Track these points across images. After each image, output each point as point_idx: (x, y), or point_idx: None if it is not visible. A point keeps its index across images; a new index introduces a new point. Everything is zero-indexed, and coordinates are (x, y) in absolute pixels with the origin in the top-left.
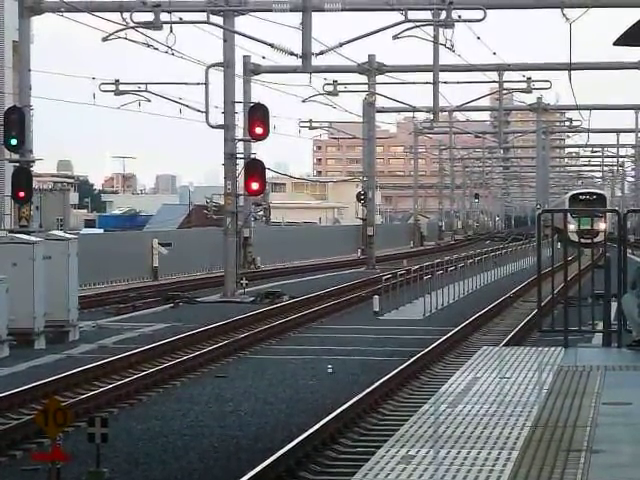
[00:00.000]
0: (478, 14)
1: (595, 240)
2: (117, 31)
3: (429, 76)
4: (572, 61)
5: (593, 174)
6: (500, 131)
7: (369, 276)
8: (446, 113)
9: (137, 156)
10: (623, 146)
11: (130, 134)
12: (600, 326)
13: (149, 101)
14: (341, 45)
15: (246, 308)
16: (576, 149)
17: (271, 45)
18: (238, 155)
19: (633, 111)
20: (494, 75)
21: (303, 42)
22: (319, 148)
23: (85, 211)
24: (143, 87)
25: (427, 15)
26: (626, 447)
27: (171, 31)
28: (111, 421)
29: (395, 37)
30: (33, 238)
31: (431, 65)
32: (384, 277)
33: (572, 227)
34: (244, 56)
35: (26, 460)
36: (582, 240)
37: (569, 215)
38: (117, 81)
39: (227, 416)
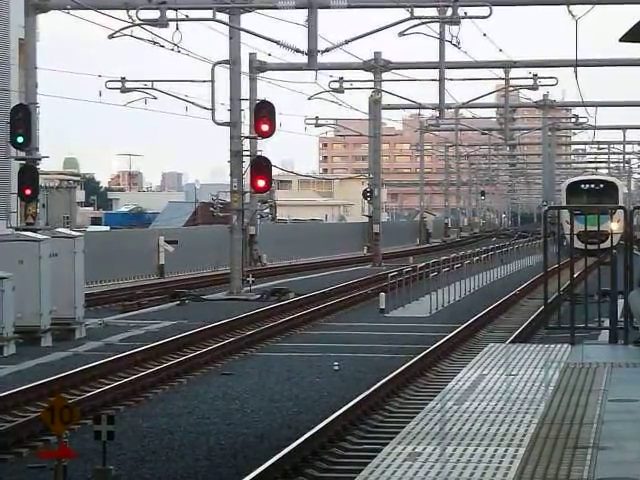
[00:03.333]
0: (484, 11)
1: (603, 245)
2: (123, 29)
3: (435, 73)
4: (578, 58)
5: (599, 170)
6: (506, 128)
7: (375, 273)
8: (452, 110)
9: (143, 154)
10: (629, 143)
11: (136, 132)
12: (607, 323)
13: (155, 98)
14: (347, 42)
15: (252, 305)
16: (582, 146)
17: (277, 42)
18: (244, 152)
19: (639, 108)
20: (500, 72)
21: (309, 39)
22: (325, 145)
23: (91, 209)
24: (149, 85)
25: (433, 12)
26: (632, 444)
27: (177, 28)
28: (117, 419)
29: (401, 34)
30: (39, 236)
31: (437, 62)
32: (390, 274)
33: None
34: (250, 53)
35: (32, 457)
36: (586, 245)
37: (567, 212)
38: (123, 79)
39: (233, 414)
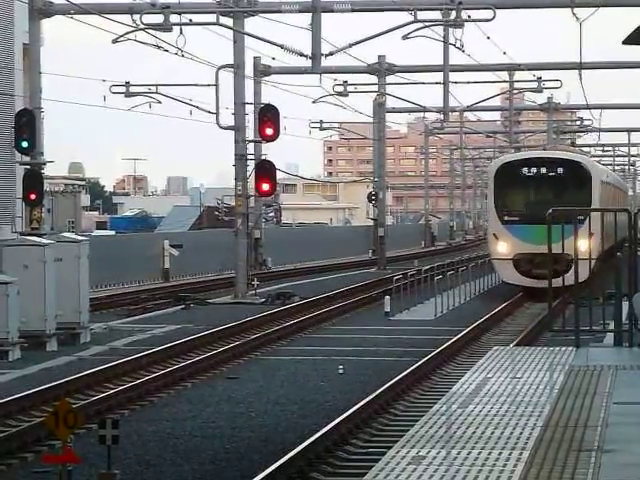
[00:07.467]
0: (488, 14)
1: (561, 280)
2: (127, 33)
3: (439, 76)
4: (582, 60)
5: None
6: (511, 131)
7: (380, 277)
8: (457, 113)
9: (148, 158)
10: (634, 145)
11: (141, 136)
12: (611, 326)
13: (160, 103)
14: (351, 46)
15: (257, 309)
16: (587, 148)
17: (281, 46)
18: (249, 156)
19: None
20: (504, 75)
21: (313, 43)
22: (330, 149)
23: (96, 213)
24: (154, 89)
25: (436, 15)
26: (637, 447)
27: (181, 33)
28: (122, 423)
29: (405, 37)
30: (44, 240)
31: (441, 65)
32: (395, 278)
33: (503, 248)
34: (254, 57)
35: (37, 462)
36: (529, 280)
37: (497, 221)
38: (127, 83)
39: (238, 417)
